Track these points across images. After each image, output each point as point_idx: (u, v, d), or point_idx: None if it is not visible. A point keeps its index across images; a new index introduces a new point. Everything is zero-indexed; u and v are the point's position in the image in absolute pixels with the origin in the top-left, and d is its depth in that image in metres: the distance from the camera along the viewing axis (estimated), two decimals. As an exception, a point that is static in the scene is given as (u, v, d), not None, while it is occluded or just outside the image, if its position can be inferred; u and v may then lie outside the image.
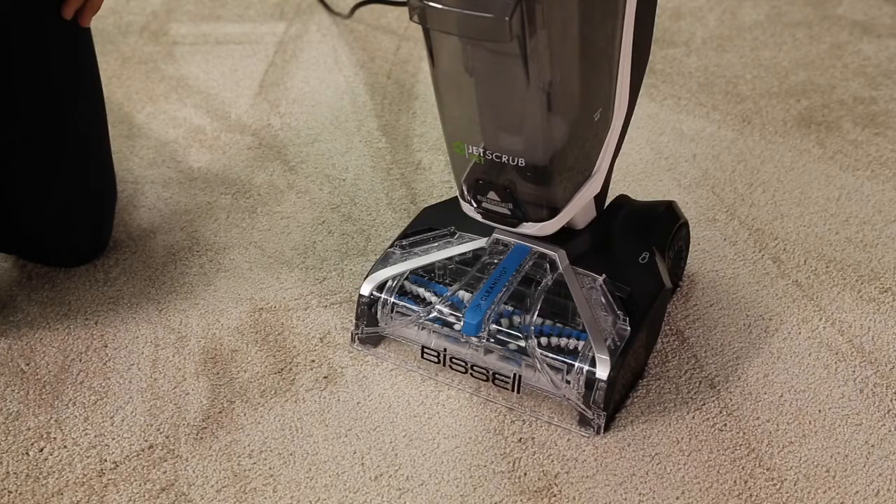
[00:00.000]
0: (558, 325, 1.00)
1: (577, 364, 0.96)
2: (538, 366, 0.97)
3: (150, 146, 1.41)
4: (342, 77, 1.57)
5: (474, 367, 1.01)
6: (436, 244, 1.08)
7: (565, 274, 1.01)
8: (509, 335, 1.00)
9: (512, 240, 1.04)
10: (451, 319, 1.02)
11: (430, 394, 1.03)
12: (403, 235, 1.11)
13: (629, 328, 0.98)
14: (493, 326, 1.00)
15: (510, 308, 1.01)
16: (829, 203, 1.30)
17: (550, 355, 0.98)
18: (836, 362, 1.06)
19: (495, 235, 1.05)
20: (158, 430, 0.99)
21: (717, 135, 1.44)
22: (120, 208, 1.28)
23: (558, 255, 1.02)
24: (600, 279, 1.01)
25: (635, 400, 1.02)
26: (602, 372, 0.95)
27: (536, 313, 0.99)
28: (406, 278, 1.06)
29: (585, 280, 1.02)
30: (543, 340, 0.99)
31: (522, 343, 0.99)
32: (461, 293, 1.03)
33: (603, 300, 1.00)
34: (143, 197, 1.31)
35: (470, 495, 0.93)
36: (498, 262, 1.03)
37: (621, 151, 1.02)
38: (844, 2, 1.77)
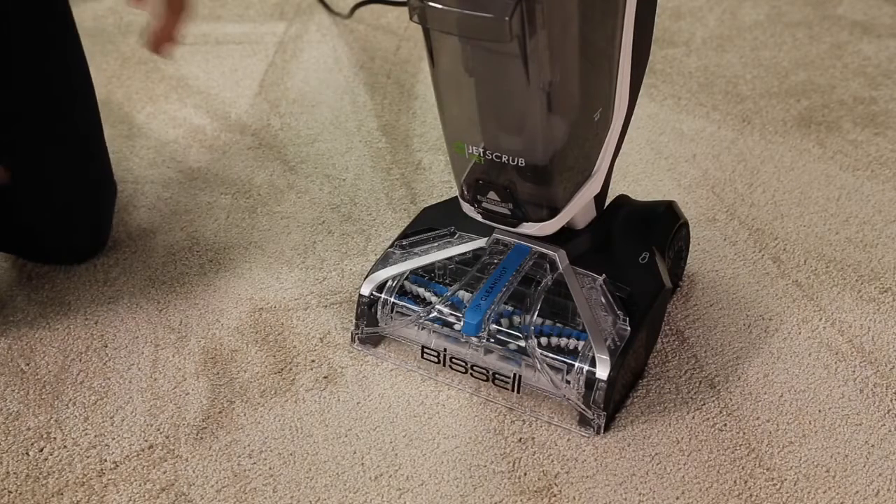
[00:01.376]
0: (558, 325, 1.00)
1: (577, 364, 0.96)
2: (538, 366, 0.97)
3: (150, 146, 1.41)
4: (342, 77, 1.57)
5: (474, 367, 1.01)
6: (436, 244, 1.08)
7: (565, 274, 1.01)
8: (509, 335, 1.00)
9: (512, 240, 1.04)
10: (451, 319, 1.02)
11: (430, 394, 1.03)
12: (403, 235, 1.11)
13: (629, 328, 0.98)
14: (493, 326, 1.00)
15: (510, 308, 1.01)
16: (829, 203, 1.30)
17: (550, 355, 0.98)
18: (836, 362, 1.06)
19: (495, 235, 1.05)
20: (158, 430, 1.00)
21: (717, 135, 1.44)
22: (120, 208, 1.28)
23: (558, 255, 1.02)
24: (600, 279, 1.01)
25: (635, 400, 1.02)
26: (602, 372, 0.95)
27: (536, 313, 0.99)
28: (406, 278, 1.06)
29: (585, 280, 1.02)
30: (543, 340, 0.99)
31: (522, 343, 0.99)
32: (461, 293, 1.03)
33: (603, 300, 1.00)
34: (143, 197, 1.31)
35: (470, 495, 0.93)
36: (498, 262, 1.03)
37: (621, 151, 1.02)
38: (844, 2, 1.77)
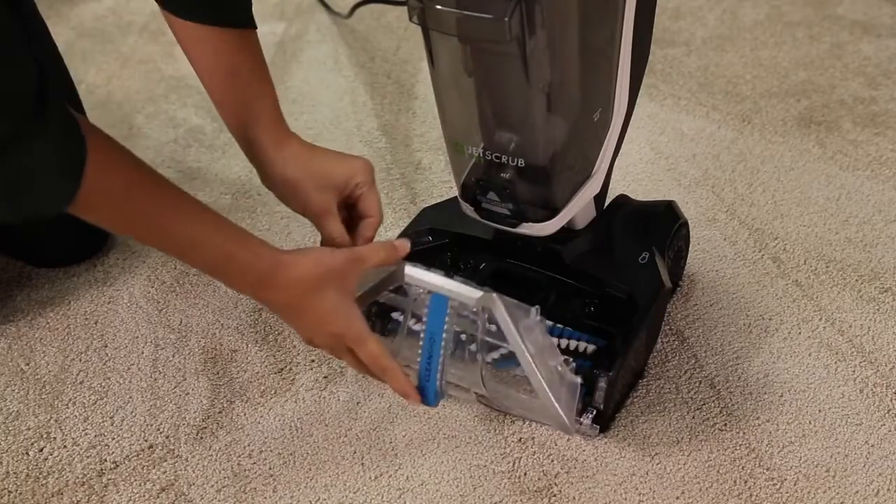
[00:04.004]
0: (567, 328, 0.99)
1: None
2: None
3: (149, 146, 1.41)
4: (342, 77, 1.57)
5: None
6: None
7: (501, 323, 0.88)
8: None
9: (423, 288, 0.92)
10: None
11: (429, 394, 1.03)
12: (403, 235, 1.11)
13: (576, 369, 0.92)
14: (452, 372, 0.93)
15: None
16: (829, 203, 1.30)
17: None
18: (836, 362, 1.06)
19: (406, 280, 0.93)
20: (158, 430, 1.00)
21: (717, 135, 1.44)
22: (120, 208, 1.28)
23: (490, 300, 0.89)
24: (533, 312, 0.89)
25: (635, 400, 1.02)
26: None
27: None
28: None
29: (520, 316, 0.89)
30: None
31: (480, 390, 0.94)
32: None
33: (541, 338, 0.89)
34: (143, 197, 1.31)
35: (470, 495, 0.93)
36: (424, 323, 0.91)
37: (621, 151, 1.02)
38: (844, 2, 1.77)
